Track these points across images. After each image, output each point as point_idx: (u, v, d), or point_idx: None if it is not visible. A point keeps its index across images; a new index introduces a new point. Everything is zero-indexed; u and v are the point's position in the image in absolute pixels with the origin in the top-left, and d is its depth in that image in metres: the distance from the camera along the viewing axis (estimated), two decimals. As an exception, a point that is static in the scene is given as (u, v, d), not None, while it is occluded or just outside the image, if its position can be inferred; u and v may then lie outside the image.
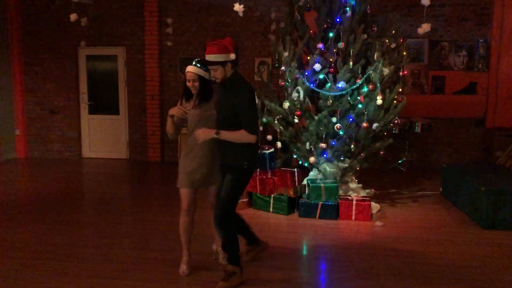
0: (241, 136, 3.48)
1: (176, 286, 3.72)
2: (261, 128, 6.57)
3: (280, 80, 5.94)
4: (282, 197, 5.53)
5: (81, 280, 3.78)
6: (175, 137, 3.95)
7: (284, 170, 5.63)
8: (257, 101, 3.88)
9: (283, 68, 5.75)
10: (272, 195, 5.58)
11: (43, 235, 4.89)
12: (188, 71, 3.67)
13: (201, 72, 3.63)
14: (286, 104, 5.51)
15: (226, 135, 3.51)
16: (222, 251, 3.91)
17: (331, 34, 5.57)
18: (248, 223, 4.13)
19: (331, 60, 5.63)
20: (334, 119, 5.39)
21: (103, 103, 9.36)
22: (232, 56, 3.47)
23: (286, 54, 5.64)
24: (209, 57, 3.45)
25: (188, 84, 3.68)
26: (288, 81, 5.62)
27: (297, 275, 4.01)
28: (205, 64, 3.55)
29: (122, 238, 4.87)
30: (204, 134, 3.53)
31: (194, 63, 3.66)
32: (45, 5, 9.11)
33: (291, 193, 5.50)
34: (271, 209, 5.62)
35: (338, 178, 5.69)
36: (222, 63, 3.44)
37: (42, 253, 4.39)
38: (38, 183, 7.43)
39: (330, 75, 5.45)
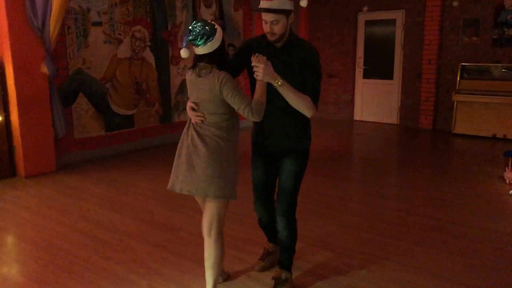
0: (304, 100, 2.62)
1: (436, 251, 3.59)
2: None
3: None
4: None
5: (356, 233, 4.02)
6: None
7: None
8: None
9: None
10: None
11: (319, 186, 5.38)
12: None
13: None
14: None
15: (289, 89, 2.59)
16: (281, 253, 3.08)
17: None
18: None
19: None
20: None
21: (377, 67, 9.47)
22: (304, 4, 2.60)
23: None
24: (273, 4, 2.52)
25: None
26: None
27: None
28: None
29: (386, 199, 4.96)
30: (267, 71, 2.51)
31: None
32: (330, -26, 9.66)
33: None
34: None
35: None
36: (287, 13, 2.58)
37: (320, 202, 4.85)
38: (314, 141, 8.14)
39: None
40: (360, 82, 9.71)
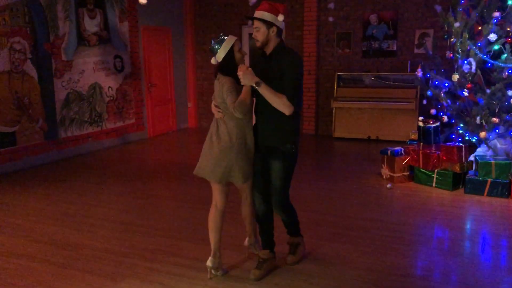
0: (280, 99, 3.07)
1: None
2: (424, 102, 6.49)
3: (448, 52, 5.74)
4: (447, 172, 5.41)
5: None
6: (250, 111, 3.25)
7: (450, 145, 5.48)
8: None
9: (453, 39, 5.55)
10: (436, 170, 5.50)
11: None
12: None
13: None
14: (456, 77, 5.33)
15: (266, 90, 3.08)
16: (286, 228, 3.62)
17: (510, 2, 5.20)
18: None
19: (508, 29, 5.27)
20: (510, 93, 5.07)
21: (263, 78, 9.94)
22: (280, 18, 3.12)
23: (457, 24, 5.42)
24: (258, 13, 3.15)
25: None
26: (458, 53, 5.41)
27: (461, 246, 3.99)
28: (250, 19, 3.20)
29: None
30: (247, 75, 3.05)
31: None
32: (214, -12, 9.96)
33: (457, 168, 5.35)
34: (434, 184, 5.55)
35: (510, 155, 5.37)
36: (268, 25, 3.12)
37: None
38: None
39: (507, 46, 5.12)
40: (247, 92, 10.10)
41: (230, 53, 3.17)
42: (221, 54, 3.17)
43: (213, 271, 3.39)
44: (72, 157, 7.56)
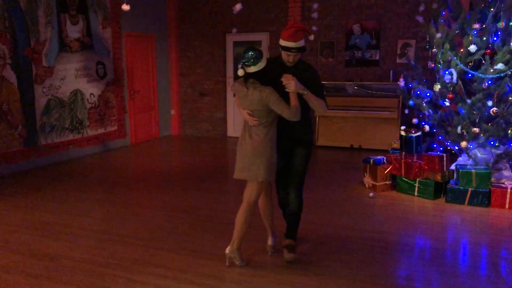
0: (320, 102, 3.58)
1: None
2: (406, 111, 6.53)
3: (429, 62, 5.82)
4: (428, 181, 5.46)
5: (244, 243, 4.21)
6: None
7: (432, 154, 5.53)
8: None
9: (434, 50, 5.62)
10: (417, 179, 5.54)
11: (201, 202, 5.50)
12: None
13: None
14: (437, 87, 5.40)
15: (311, 95, 3.50)
16: (287, 226, 3.89)
17: (490, 13, 5.30)
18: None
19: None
20: (489, 103, 5.15)
21: (246, 86, 9.94)
22: (311, 38, 3.83)
23: (438, 35, 5.50)
24: (299, 44, 3.46)
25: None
26: (440, 63, 5.48)
27: (442, 255, 4.01)
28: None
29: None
30: (297, 84, 3.39)
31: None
32: (198, -4, 9.95)
33: (438, 177, 5.40)
34: (415, 193, 5.59)
35: (490, 164, 5.44)
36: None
37: (205, 216, 4.98)
38: (190, 157, 8.27)
39: (487, 57, 5.20)
40: (231, 100, 10.10)
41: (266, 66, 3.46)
42: (254, 68, 3.40)
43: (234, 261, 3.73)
44: (52, 164, 7.43)
